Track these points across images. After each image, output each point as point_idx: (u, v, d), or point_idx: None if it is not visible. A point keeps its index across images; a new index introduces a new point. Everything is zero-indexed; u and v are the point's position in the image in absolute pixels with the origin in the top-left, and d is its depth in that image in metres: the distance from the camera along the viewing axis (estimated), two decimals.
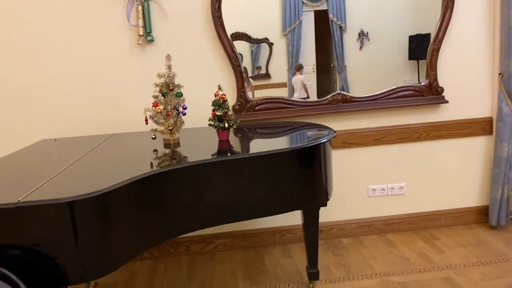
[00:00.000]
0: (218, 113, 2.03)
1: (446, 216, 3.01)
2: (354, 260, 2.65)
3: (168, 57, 2.06)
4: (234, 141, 2.22)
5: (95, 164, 1.80)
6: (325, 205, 2.16)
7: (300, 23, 2.68)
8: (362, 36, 2.78)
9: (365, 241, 2.90)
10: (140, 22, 2.56)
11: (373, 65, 2.85)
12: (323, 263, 2.63)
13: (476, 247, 2.68)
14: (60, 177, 1.60)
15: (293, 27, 2.67)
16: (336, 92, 2.77)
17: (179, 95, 2.05)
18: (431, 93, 2.82)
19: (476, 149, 2.94)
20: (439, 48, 2.77)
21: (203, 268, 2.70)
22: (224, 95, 2.05)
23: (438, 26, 2.75)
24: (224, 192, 1.77)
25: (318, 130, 2.37)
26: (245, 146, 2.17)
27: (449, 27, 2.75)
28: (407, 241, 2.85)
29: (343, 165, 2.87)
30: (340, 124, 2.82)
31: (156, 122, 2.06)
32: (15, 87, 2.59)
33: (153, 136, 2.06)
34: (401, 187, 2.96)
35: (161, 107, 2.02)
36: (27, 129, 2.60)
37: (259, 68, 2.82)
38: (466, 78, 2.85)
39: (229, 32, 2.61)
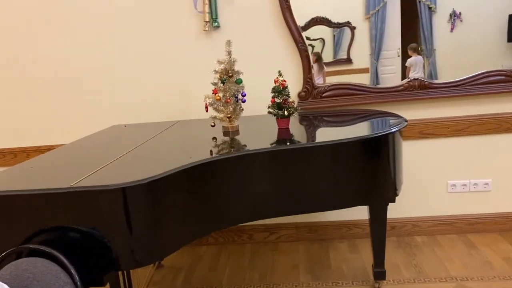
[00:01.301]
0: (277, 100, 1.94)
1: None
2: (428, 260, 2.44)
3: (228, 43, 2.01)
4: (296, 129, 2.12)
5: (153, 151, 1.81)
6: (393, 201, 1.99)
7: (385, 4, 2.51)
8: (454, 16, 2.52)
9: (442, 240, 2.66)
10: (207, 8, 2.54)
11: (466, 48, 2.58)
12: (393, 261, 2.45)
13: None
14: (118, 162, 1.63)
15: (377, 9, 2.51)
16: (412, 78, 2.54)
17: (239, 81, 1.99)
18: None
19: None
20: None
21: (265, 257, 2.65)
22: (285, 81, 1.96)
23: None
24: (279, 183, 1.68)
25: (389, 119, 2.19)
26: (307, 135, 2.06)
27: None
28: (491, 243, 2.56)
29: (419, 157, 2.65)
30: (416, 112, 2.59)
31: (216, 109, 2.03)
32: (89, 77, 2.71)
33: (212, 124, 2.03)
34: (486, 184, 2.66)
35: (221, 94, 1.98)
36: (100, 117, 2.71)
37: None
38: None
39: (308, 16, 2.51)
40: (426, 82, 2.52)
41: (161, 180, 1.38)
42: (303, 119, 2.49)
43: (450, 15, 2.54)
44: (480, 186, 2.66)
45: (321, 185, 1.75)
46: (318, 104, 2.59)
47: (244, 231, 2.84)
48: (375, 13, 2.53)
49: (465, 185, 2.67)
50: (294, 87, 2.61)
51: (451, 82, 2.53)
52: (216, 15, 2.57)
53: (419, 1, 2.52)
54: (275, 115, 1.97)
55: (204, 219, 1.53)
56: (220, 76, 1.98)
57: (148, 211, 1.39)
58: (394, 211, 2.71)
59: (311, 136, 2.04)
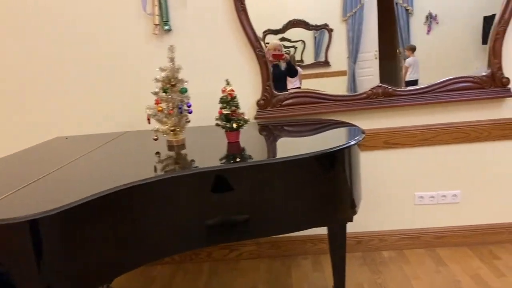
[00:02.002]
0: (225, 111, 1.77)
1: (510, 230, 2.54)
2: (394, 279, 2.30)
3: (171, 48, 1.84)
4: (250, 142, 1.95)
5: (81, 169, 1.61)
6: (351, 220, 1.83)
7: (362, 7, 2.42)
8: (430, 18, 2.43)
9: (409, 255, 2.53)
10: (156, 11, 2.36)
11: (441, 50, 2.49)
12: (357, 280, 2.31)
13: None
14: (36, 184, 1.43)
15: (354, 11, 2.41)
16: (376, 85, 2.40)
17: (183, 91, 1.82)
18: (494, 85, 2.36)
19: None
20: (504, 30, 2.30)
21: (223, 278, 2.48)
22: (233, 90, 1.79)
23: (504, 4, 2.28)
24: (217, 207, 1.51)
25: (346, 130, 2.04)
26: (258, 150, 1.88)
27: None
28: (460, 259, 2.43)
29: (385, 168, 2.52)
30: (381, 121, 2.45)
31: (159, 121, 1.85)
32: (29, 85, 2.50)
33: (155, 137, 1.85)
34: (455, 195, 2.53)
35: (163, 105, 1.80)
36: (43, 128, 2.50)
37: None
38: None
39: (285, 19, 2.40)
40: (391, 90, 2.38)
41: (71, 210, 1.19)
42: (262, 129, 2.33)
43: (427, 17, 2.45)
44: (448, 198, 2.54)
45: (268, 207, 1.58)
46: (277, 113, 2.43)
47: (202, 249, 2.66)
48: (352, 15, 2.44)
49: (433, 197, 2.55)
50: (253, 95, 2.45)
51: (416, 89, 2.40)
52: (167, 17, 2.38)
53: (396, 3, 2.44)
54: (223, 127, 1.79)
55: (129, 251, 1.35)
56: (162, 85, 1.80)
57: (58, 244, 1.20)
58: (360, 225, 2.58)
59: (261, 151, 1.86)
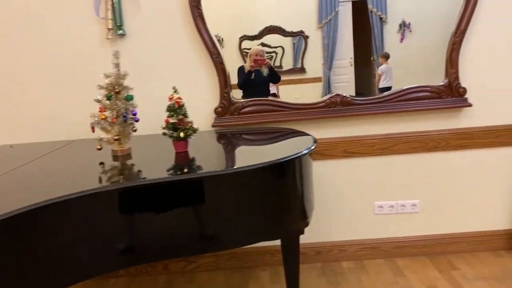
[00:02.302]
0: (172, 120, 1.70)
1: (469, 240, 2.54)
2: None
3: (116, 54, 1.76)
4: (200, 151, 1.88)
5: (8, 184, 1.51)
6: (302, 232, 1.79)
7: (337, 14, 2.42)
8: (404, 27, 2.45)
9: (368, 266, 2.50)
10: (109, 15, 2.28)
11: (414, 58, 2.52)
12: None
13: (501, 282, 2.22)
14: None
15: (329, 18, 2.42)
16: (334, 94, 2.37)
17: (129, 98, 1.75)
18: (451, 95, 2.36)
19: (506, 162, 2.46)
20: (461, 40, 2.31)
21: None
22: (180, 98, 1.72)
23: (460, 14, 2.29)
24: (160, 222, 1.44)
25: (299, 139, 2.00)
26: (209, 159, 1.82)
27: (474, 14, 2.28)
28: (419, 269, 2.42)
29: (344, 177, 2.49)
30: (340, 130, 2.43)
31: (105, 130, 1.77)
32: None
33: (99, 147, 1.76)
34: (414, 205, 2.52)
35: (107, 113, 1.72)
36: None
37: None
38: (495, 77, 2.37)
39: (262, 25, 2.38)
40: (349, 99, 2.36)
41: None
42: (220, 137, 2.27)
43: (400, 25, 2.47)
44: (407, 207, 2.53)
45: (209, 222, 1.51)
46: (235, 121, 2.37)
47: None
48: (327, 22, 2.45)
49: (392, 206, 2.53)
50: (211, 102, 2.39)
51: (375, 99, 2.39)
52: (121, 22, 2.31)
53: (371, 12, 2.44)
54: (170, 136, 1.72)
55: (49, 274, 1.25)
56: (106, 92, 1.72)
57: None
58: (319, 235, 2.55)
59: (210, 161, 1.79)
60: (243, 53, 2.46)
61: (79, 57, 2.34)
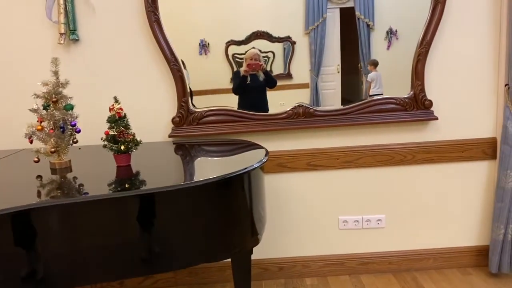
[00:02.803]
0: (111, 132, 1.60)
1: (436, 257, 2.47)
2: None
3: (55, 61, 1.66)
4: (147, 165, 1.78)
5: None
6: (251, 251, 1.70)
7: (324, 20, 2.36)
8: (390, 34, 2.38)
9: (333, 283, 2.41)
10: (62, 19, 2.18)
11: (400, 66, 2.44)
12: None
13: None
14: None
15: (316, 24, 2.36)
16: (296, 104, 2.29)
17: (68, 108, 1.64)
18: (417, 107, 2.29)
19: (474, 176, 2.39)
20: (427, 52, 2.25)
21: None
22: (121, 109, 1.62)
23: (426, 25, 2.24)
24: (99, 241, 1.34)
25: (251, 152, 1.91)
26: (154, 174, 1.71)
27: (440, 26, 2.22)
28: (383, 286, 2.34)
29: (308, 191, 2.41)
30: (304, 142, 2.35)
31: (43, 141, 1.66)
32: None
33: (36, 159, 1.66)
34: (379, 220, 2.44)
35: (45, 123, 1.62)
36: None
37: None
38: (462, 90, 2.31)
39: (249, 30, 2.31)
40: (311, 110, 2.28)
41: None
42: (179, 148, 2.18)
43: (387, 32, 2.41)
44: (373, 222, 2.45)
45: (148, 241, 1.41)
46: (194, 131, 2.28)
47: None
48: (314, 28, 2.38)
49: (357, 221, 2.45)
50: (169, 112, 2.29)
51: (338, 110, 2.31)
52: (74, 26, 2.21)
53: (358, 18, 2.37)
54: (110, 149, 1.62)
55: None
56: (44, 101, 1.62)
57: None
58: (282, 250, 2.46)
59: (154, 176, 1.68)
60: (230, 59, 2.38)
61: (29, 64, 2.23)
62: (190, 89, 2.29)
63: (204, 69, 2.38)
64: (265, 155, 1.72)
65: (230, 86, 2.40)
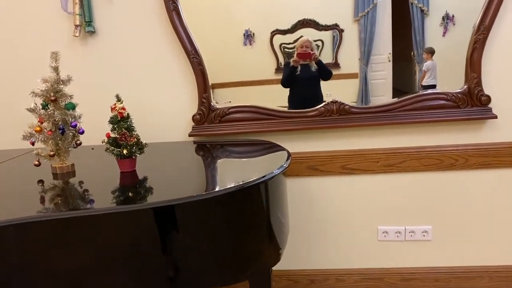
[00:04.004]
0: (113, 134, 1.43)
1: (491, 276, 2.15)
2: None
3: (54, 56, 1.51)
4: (157, 169, 1.61)
5: None
6: (270, 271, 1.48)
7: (375, 7, 2.16)
8: (447, 19, 2.12)
9: None
10: (77, 9, 2.04)
11: (456, 55, 2.16)
12: None
13: None
14: None
15: (366, 11, 2.16)
16: (330, 101, 2.04)
17: (69, 107, 1.49)
18: (471, 104, 1.98)
19: None
20: (485, 39, 1.92)
21: None
22: (124, 109, 1.45)
23: (484, 7, 1.91)
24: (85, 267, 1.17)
25: (273, 155, 1.70)
26: (160, 182, 1.52)
27: (502, 7, 1.89)
28: None
29: (343, 197, 2.16)
30: (338, 142, 2.10)
31: (45, 143, 1.52)
32: None
33: (36, 162, 1.52)
34: (425, 231, 2.15)
35: (45, 124, 1.47)
36: None
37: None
38: None
39: (294, 19, 2.12)
40: (347, 106, 2.02)
41: None
42: (199, 148, 2.00)
43: (443, 18, 2.13)
44: (418, 234, 2.16)
45: (142, 265, 1.23)
46: (215, 130, 2.09)
47: None
48: (364, 15, 2.17)
49: (399, 232, 2.17)
50: (189, 109, 2.11)
51: (378, 107, 2.04)
52: (90, 18, 2.07)
53: (411, 3, 2.13)
54: (111, 153, 1.45)
55: None
56: (43, 100, 1.48)
57: None
58: (314, 261, 2.24)
59: (160, 185, 1.49)
60: (275, 49, 2.19)
61: (44, 58, 2.11)
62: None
63: (248, 60, 2.21)
64: (287, 160, 1.49)
65: (275, 77, 2.20)
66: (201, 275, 1.31)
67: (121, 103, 1.44)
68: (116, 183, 1.43)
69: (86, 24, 2.07)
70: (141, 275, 1.24)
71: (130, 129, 1.44)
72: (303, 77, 2.11)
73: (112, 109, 1.44)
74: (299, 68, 2.11)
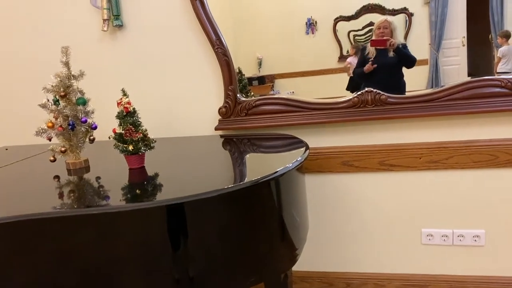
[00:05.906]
0: (118, 130, 1.39)
1: None
2: None
3: (65, 51, 1.49)
4: (171, 165, 1.55)
5: None
6: (287, 269, 1.37)
7: None
8: None
9: None
10: (104, 3, 2.03)
11: None
12: None
13: None
14: None
15: None
16: (365, 90, 1.86)
17: (80, 102, 1.47)
18: None
19: None
20: None
21: None
22: (129, 103, 1.39)
23: None
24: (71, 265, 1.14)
25: (290, 150, 1.57)
26: (169, 179, 1.44)
27: None
28: None
29: (381, 195, 1.98)
30: (375, 135, 1.92)
31: (58, 138, 1.52)
32: None
33: (52, 158, 1.52)
34: (477, 236, 1.91)
35: (58, 119, 1.46)
36: None
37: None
38: None
39: (359, 4, 2.03)
40: (383, 96, 1.83)
41: None
42: (226, 142, 1.93)
43: None
44: (468, 238, 1.93)
45: (164, 265, 1.17)
46: (242, 123, 1.99)
47: None
48: None
49: (446, 236, 1.95)
50: (216, 101, 2.04)
51: (419, 96, 1.82)
52: (118, 11, 2.05)
53: None
54: (117, 149, 1.41)
55: None
56: (54, 95, 1.47)
57: None
58: (351, 263, 2.10)
59: (168, 183, 1.41)
60: (338, 36, 2.08)
61: (74, 53, 2.13)
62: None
63: (311, 49, 2.11)
64: (302, 155, 1.36)
65: (338, 66, 2.06)
66: (209, 276, 1.23)
67: (127, 97, 1.39)
68: (125, 180, 1.39)
69: (114, 18, 2.05)
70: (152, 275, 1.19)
71: (136, 124, 1.39)
72: (380, 65, 1.91)
73: (118, 103, 1.39)
74: (372, 54, 1.90)
